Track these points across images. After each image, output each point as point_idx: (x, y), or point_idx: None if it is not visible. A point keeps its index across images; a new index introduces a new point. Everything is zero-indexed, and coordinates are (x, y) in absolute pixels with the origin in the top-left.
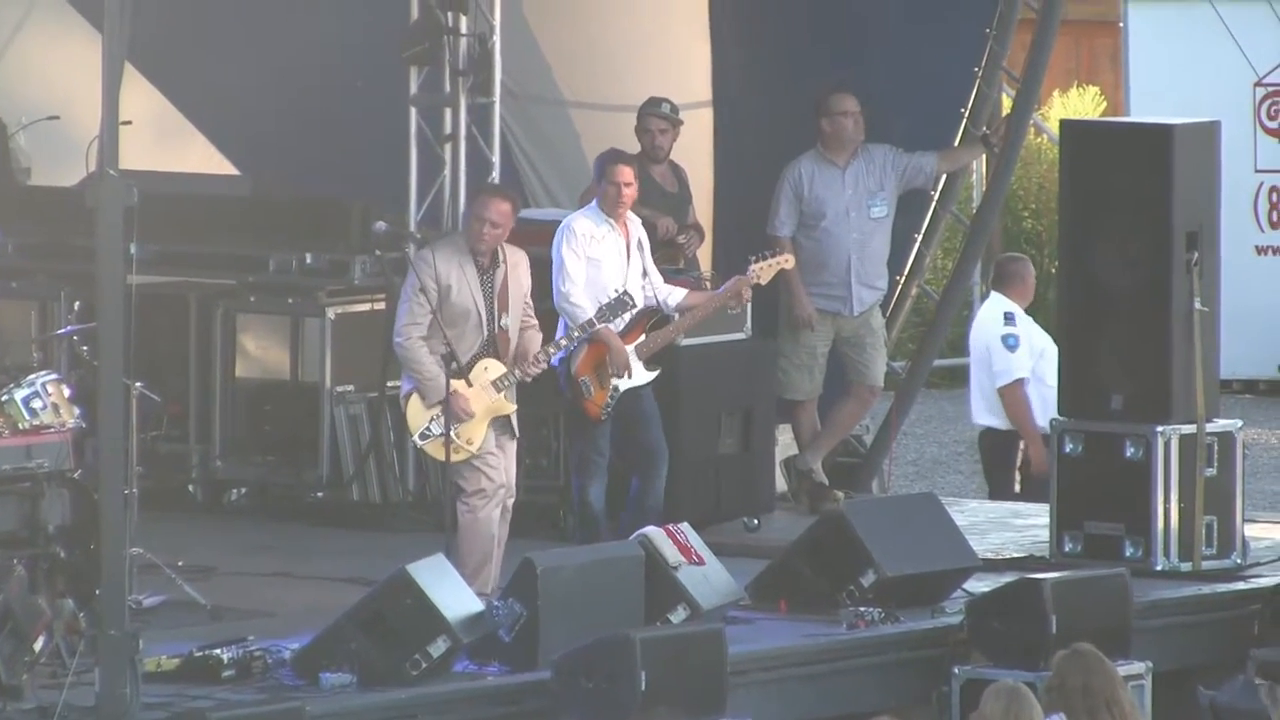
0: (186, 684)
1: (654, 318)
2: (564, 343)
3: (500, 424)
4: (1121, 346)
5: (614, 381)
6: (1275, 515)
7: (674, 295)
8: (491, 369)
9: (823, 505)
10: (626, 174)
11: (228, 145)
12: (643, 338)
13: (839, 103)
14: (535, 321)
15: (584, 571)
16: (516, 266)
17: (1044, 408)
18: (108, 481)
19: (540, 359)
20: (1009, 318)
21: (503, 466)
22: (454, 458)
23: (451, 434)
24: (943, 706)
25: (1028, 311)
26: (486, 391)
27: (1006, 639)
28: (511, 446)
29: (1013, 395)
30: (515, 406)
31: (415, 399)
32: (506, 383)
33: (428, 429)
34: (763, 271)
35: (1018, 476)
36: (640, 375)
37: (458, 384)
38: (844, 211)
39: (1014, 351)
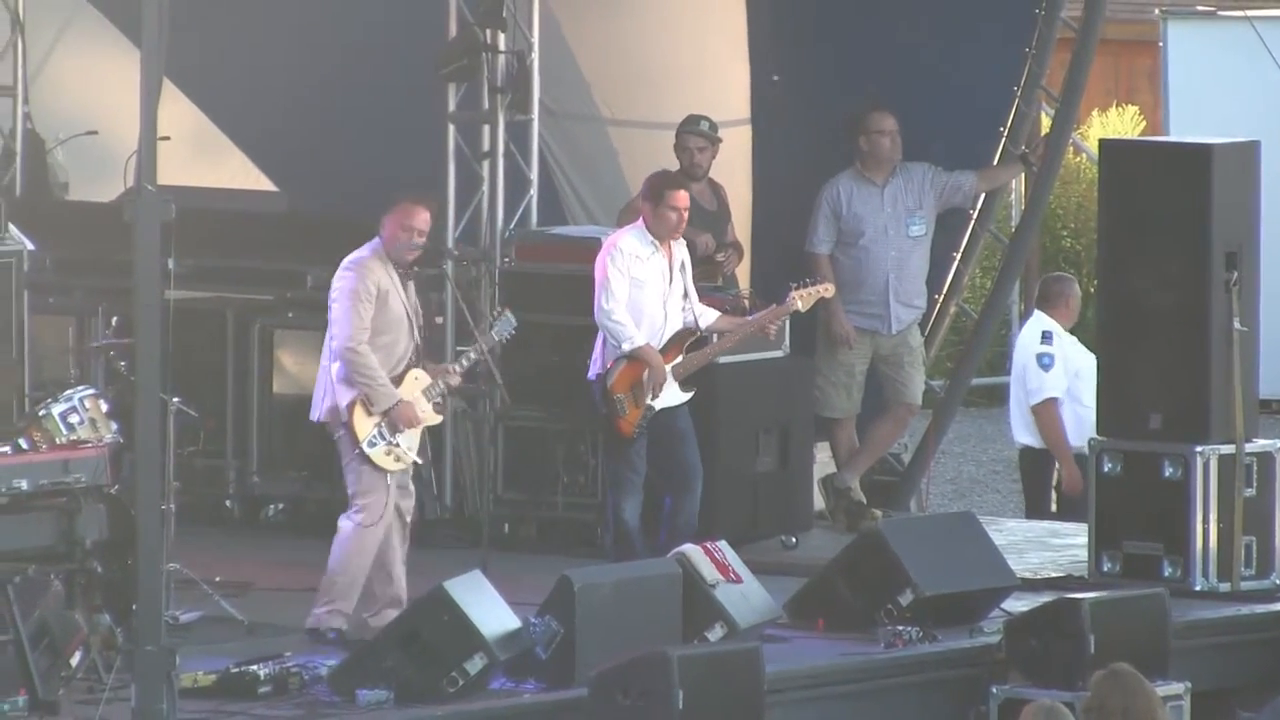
0: (223, 700)
1: (692, 338)
2: (473, 355)
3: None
4: (1160, 366)
5: (648, 400)
6: None
7: (706, 316)
8: (421, 379)
9: (860, 524)
10: (684, 199)
11: (265, 161)
12: (680, 358)
13: (877, 121)
14: None
15: (621, 589)
16: (414, 281)
17: (1079, 427)
18: (144, 497)
19: (456, 370)
20: (1046, 337)
21: (410, 479)
22: (396, 466)
23: (397, 441)
24: None
25: (1072, 331)
26: (418, 402)
27: (1045, 658)
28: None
29: (1045, 414)
30: (442, 418)
31: (360, 408)
32: (434, 393)
33: (375, 436)
34: (803, 299)
35: (1054, 495)
36: (675, 395)
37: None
38: (882, 230)
39: (1047, 371)
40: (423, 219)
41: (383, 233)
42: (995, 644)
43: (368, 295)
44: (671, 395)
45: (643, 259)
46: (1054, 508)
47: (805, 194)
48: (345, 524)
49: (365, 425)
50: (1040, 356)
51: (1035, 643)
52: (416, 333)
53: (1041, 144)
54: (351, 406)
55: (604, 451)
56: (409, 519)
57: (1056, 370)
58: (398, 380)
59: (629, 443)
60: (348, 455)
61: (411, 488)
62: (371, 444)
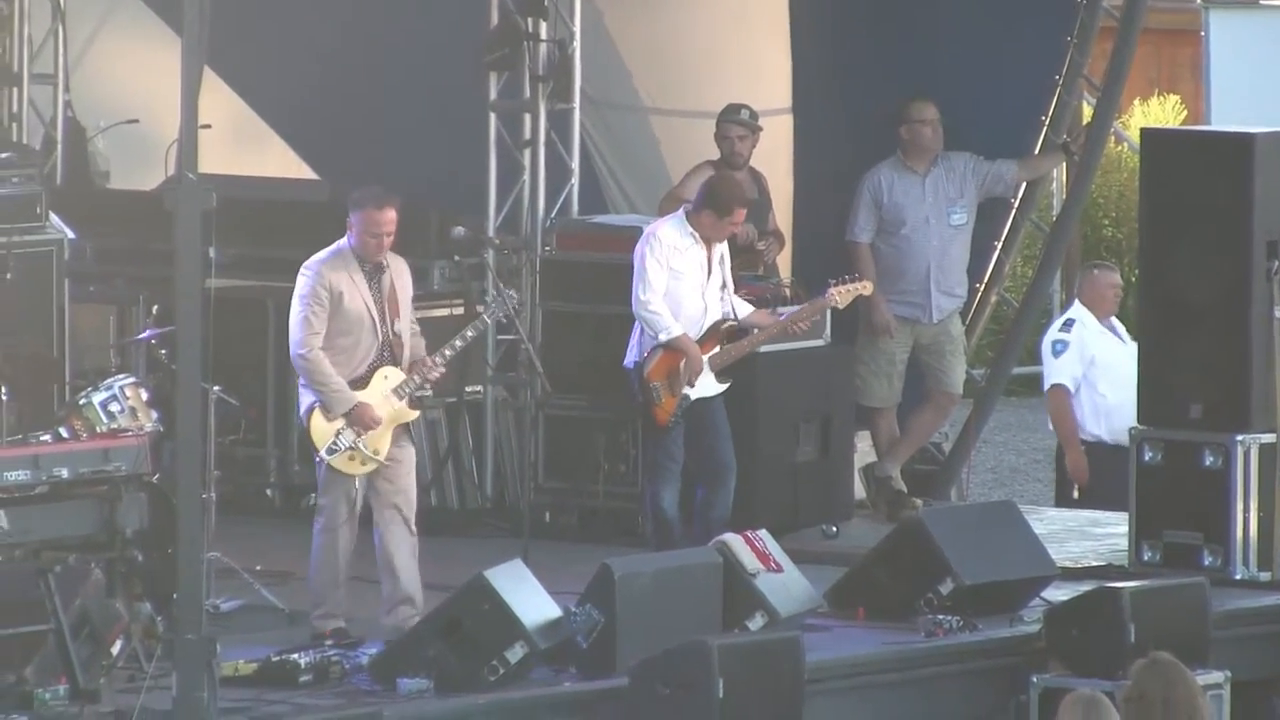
0: (264, 688)
1: (731, 330)
2: (458, 344)
3: (398, 432)
4: (1201, 355)
5: (684, 390)
6: None
7: (742, 309)
8: (391, 376)
9: (901, 513)
10: (744, 214)
11: (306, 150)
12: (718, 349)
13: (917, 110)
14: (418, 328)
15: (661, 578)
16: (400, 274)
17: (1095, 415)
18: (185, 485)
19: (438, 361)
20: (1066, 324)
21: (402, 475)
22: (362, 469)
23: (360, 445)
24: (1020, 715)
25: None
26: (389, 400)
27: (1085, 648)
28: (410, 454)
29: (1051, 400)
30: (418, 414)
31: (318, 414)
32: (406, 390)
33: (335, 443)
34: (841, 295)
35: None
36: (711, 386)
37: (361, 393)
38: (924, 219)
39: (1057, 358)
40: (389, 220)
41: (349, 233)
42: (1035, 633)
43: (318, 300)
44: (707, 385)
45: (681, 250)
46: (1075, 494)
47: (846, 183)
48: (314, 528)
49: (324, 432)
50: (1054, 344)
51: (1075, 632)
52: (384, 329)
53: (1083, 133)
54: (310, 413)
55: (642, 440)
56: (409, 513)
57: (1067, 358)
58: (363, 380)
59: (665, 431)
60: (314, 456)
61: (405, 482)
62: (331, 451)
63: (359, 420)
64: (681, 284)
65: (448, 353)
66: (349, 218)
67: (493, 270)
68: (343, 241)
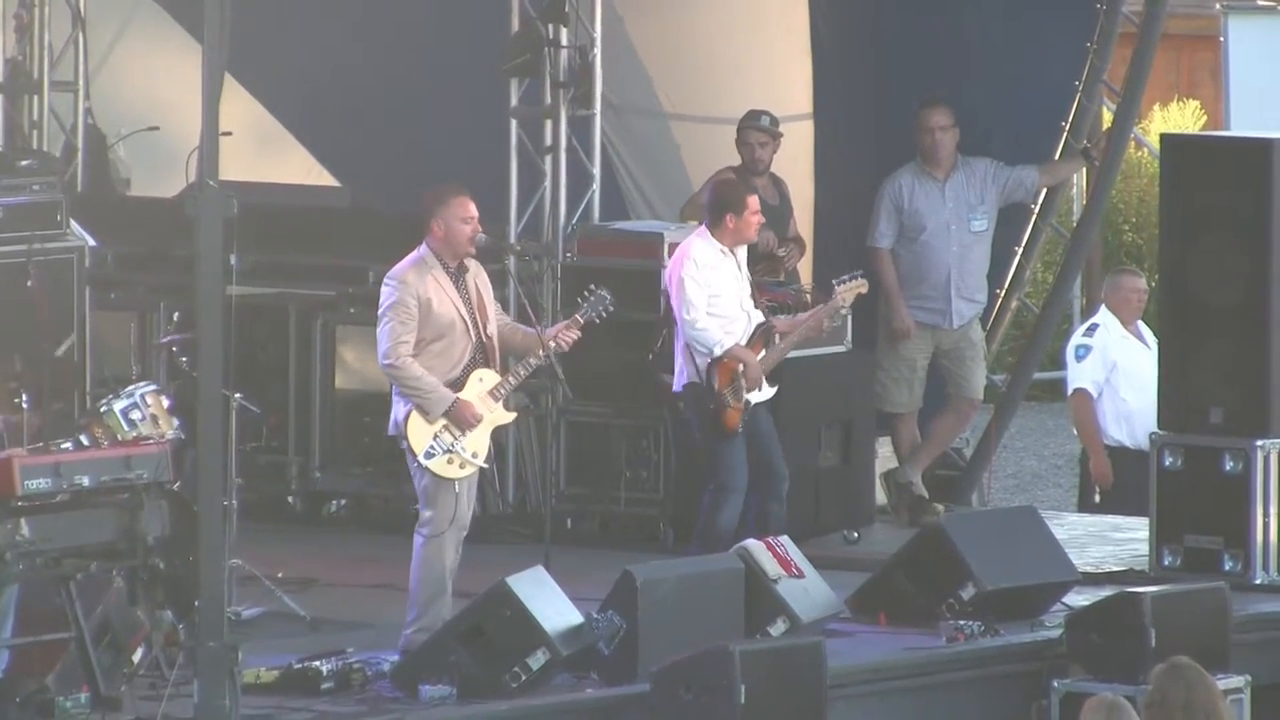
0: (285, 696)
1: (771, 334)
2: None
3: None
4: (1221, 360)
5: (746, 395)
6: None
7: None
8: (486, 379)
9: (922, 518)
10: (758, 202)
11: (327, 156)
12: (764, 352)
13: (927, 117)
14: (507, 319)
15: (683, 584)
16: (479, 274)
17: (1117, 420)
18: (207, 493)
19: (571, 327)
20: (1090, 329)
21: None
22: (460, 473)
23: (458, 448)
24: None
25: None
26: (484, 402)
27: (1106, 653)
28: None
29: (1073, 404)
30: (515, 415)
31: (415, 418)
32: (502, 392)
33: (432, 446)
34: (846, 294)
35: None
36: (765, 390)
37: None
38: (944, 225)
39: (1080, 362)
40: (471, 207)
41: (435, 233)
42: (1057, 638)
43: (406, 309)
44: (763, 390)
45: (716, 267)
46: (1097, 498)
47: (867, 189)
48: (416, 540)
49: (422, 436)
50: (1077, 348)
51: (1096, 637)
52: (477, 331)
53: (1103, 139)
54: (407, 418)
55: (706, 454)
56: (467, 521)
57: (1089, 362)
58: (459, 384)
59: (732, 439)
60: (411, 466)
61: (474, 490)
62: (429, 455)
63: (459, 418)
64: (722, 301)
65: (580, 319)
66: (431, 222)
67: (514, 277)
68: (420, 249)
